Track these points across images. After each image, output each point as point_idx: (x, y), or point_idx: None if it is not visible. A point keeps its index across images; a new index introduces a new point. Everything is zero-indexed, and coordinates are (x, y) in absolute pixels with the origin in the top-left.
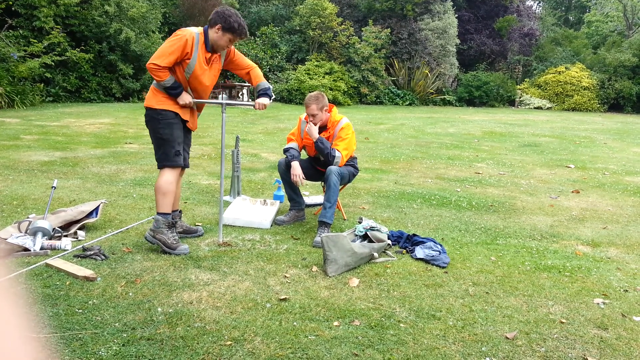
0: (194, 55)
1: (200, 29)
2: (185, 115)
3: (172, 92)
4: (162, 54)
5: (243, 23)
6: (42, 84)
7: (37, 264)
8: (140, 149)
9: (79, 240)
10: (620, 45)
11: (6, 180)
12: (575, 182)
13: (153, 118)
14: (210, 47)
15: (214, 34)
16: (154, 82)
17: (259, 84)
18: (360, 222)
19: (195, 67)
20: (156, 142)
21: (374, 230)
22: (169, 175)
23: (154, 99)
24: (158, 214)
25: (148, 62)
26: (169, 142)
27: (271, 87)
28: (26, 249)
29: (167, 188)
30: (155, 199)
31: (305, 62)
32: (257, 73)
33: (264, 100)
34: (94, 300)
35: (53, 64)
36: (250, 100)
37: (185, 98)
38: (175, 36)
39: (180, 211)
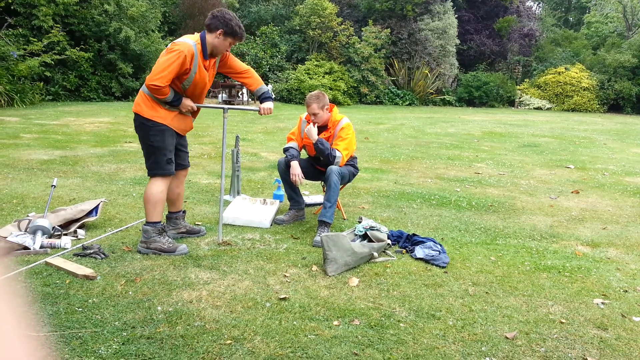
0: (193, 68)
1: (197, 39)
2: (177, 126)
3: (175, 103)
4: (162, 74)
5: (242, 25)
6: (42, 83)
7: (36, 263)
8: (139, 148)
9: (79, 238)
10: (619, 46)
11: (6, 179)
12: (575, 182)
13: (143, 125)
14: (209, 53)
15: (214, 39)
16: (144, 87)
17: (259, 88)
18: (360, 222)
19: (194, 78)
20: (147, 149)
21: (373, 229)
22: (159, 185)
23: (144, 106)
24: (147, 223)
25: (148, 82)
26: (161, 149)
27: (270, 87)
28: (26, 248)
29: (158, 198)
30: (145, 208)
31: (305, 62)
32: (256, 77)
33: (269, 105)
34: (94, 299)
35: (53, 62)
36: (250, 100)
37: (187, 104)
38: (172, 51)
39: (184, 211)
